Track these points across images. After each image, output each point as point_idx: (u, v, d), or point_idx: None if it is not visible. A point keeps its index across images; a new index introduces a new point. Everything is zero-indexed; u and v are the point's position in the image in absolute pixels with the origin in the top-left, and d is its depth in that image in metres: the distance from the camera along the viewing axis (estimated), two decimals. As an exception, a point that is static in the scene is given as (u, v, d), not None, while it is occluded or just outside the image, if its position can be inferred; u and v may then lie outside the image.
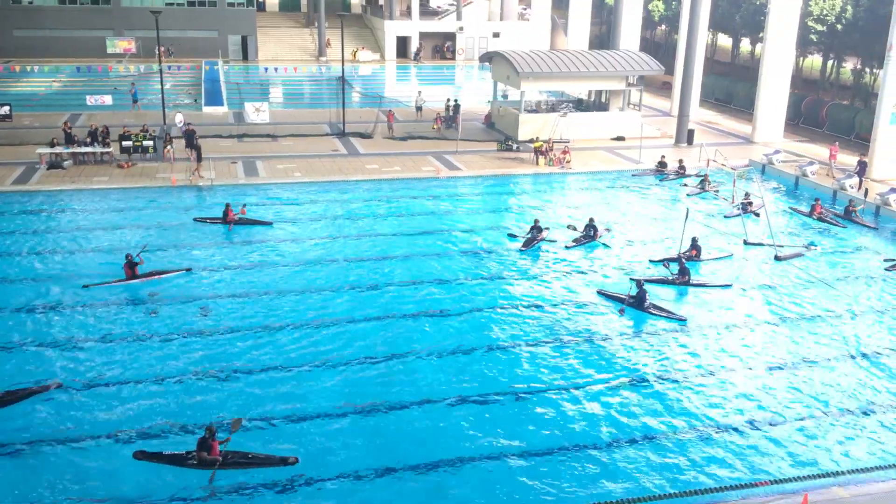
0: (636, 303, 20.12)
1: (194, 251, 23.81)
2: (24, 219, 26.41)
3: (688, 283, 22.05)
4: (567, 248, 24.70)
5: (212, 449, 13.45)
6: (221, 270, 22.43)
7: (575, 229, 25.60)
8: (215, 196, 28.89)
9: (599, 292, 21.32)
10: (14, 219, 26.38)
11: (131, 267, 21.02)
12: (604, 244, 25.00)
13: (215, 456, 13.44)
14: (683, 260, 22.76)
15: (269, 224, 26.04)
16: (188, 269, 22.12)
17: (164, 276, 21.55)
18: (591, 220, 25.53)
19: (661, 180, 32.97)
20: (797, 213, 29.12)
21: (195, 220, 26.21)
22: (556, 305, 20.67)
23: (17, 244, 24.09)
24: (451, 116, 41.40)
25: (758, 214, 27.97)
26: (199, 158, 31.21)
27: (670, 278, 22.12)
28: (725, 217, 28.31)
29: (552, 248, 24.69)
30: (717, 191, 31.30)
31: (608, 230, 25.97)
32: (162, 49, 63.26)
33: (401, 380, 16.70)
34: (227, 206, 25.96)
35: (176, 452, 13.69)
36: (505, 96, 43.98)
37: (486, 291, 21.48)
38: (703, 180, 31.79)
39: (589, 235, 25.20)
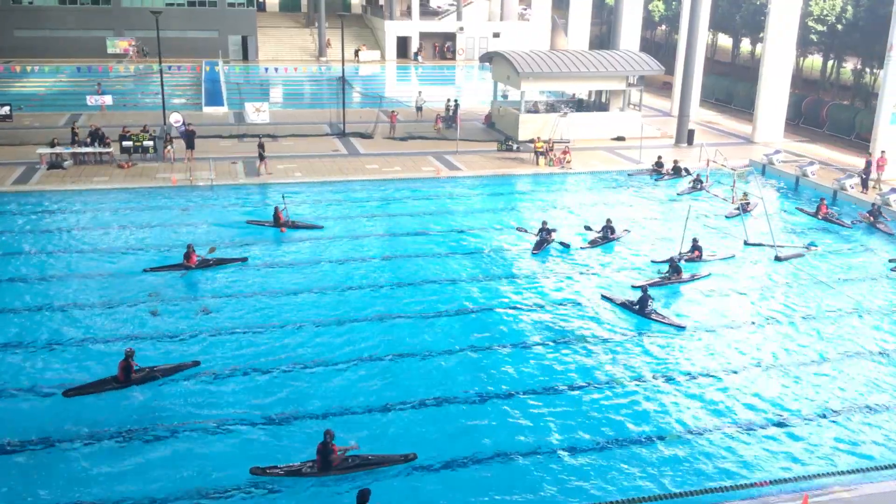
0: (639, 307, 20.09)
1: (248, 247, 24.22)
2: (37, 217, 26.62)
3: (680, 282, 22.07)
4: (583, 248, 24.64)
5: (333, 453, 13.38)
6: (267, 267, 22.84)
7: (590, 229, 25.45)
8: (257, 195, 29.38)
9: (604, 296, 21.25)
10: (30, 217, 26.71)
11: (188, 257, 21.89)
12: (619, 237, 25.07)
13: (337, 460, 13.39)
14: (675, 259, 22.71)
15: (320, 228, 25.83)
16: (244, 259, 22.59)
17: (221, 264, 22.23)
18: (608, 220, 25.46)
19: (656, 180, 32.99)
20: (803, 212, 29.05)
21: (248, 222, 26.20)
22: (559, 306, 20.66)
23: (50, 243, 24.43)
24: (451, 116, 41.41)
25: (746, 211, 27.66)
26: (261, 157, 31.65)
27: (661, 276, 22.13)
28: (726, 217, 28.30)
29: (559, 249, 24.68)
30: (709, 189, 31.29)
31: (627, 231, 25.97)
32: (136, 49, 63.47)
33: (401, 380, 16.71)
34: (277, 209, 25.79)
35: (292, 465, 13.56)
36: (505, 96, 44.01)
37: (486, 292, 21.47)
38: (695, 180, 31.75)
39: (606, 236, 25.14)
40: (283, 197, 26.52)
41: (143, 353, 17.17)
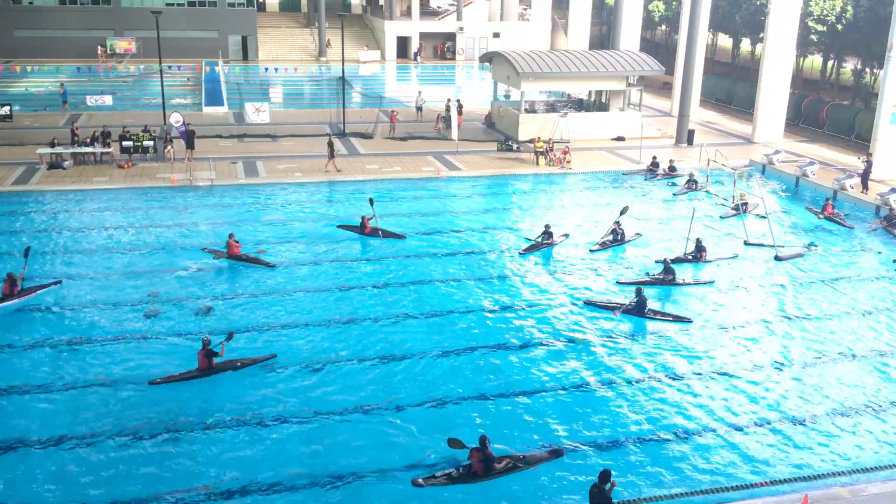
0: (636, 309, 20.05)
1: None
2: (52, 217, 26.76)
3: (673, 283, 21.99)
4: (592, 251, 24.54)
5: (492, 459, 13.36)
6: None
7: (619, 224, 25.17)
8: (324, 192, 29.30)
9: (587, 302, 20.87)
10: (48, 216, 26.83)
11: (230, 248, 22.80)
12: (637, 234, 25.45)
13: (495, 463, 13.41)
14: (669, 260, 22.63)
15: (402, 238, 25.25)
16: (272, 265, 22.65)
17: (251, 263, 22.65)
18: (616, 223, 25.34)
19: (647, 180, 32.97)
20: (811, 212, 28.96)
21: (338, 227, 25.81)
22: (557, 307, 20.68)
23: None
24: (450, 117, 41.34)
25: (764, 216, 27.58)
26: (331, 154, 32.09)
27: (651, 277, 22.09)
28: (720, 218, 28.25)
29: (561, 250, 24.63)
30: (708, 190, 31.26)
31: (638, 234, 25.90)
32: (103, 50, 63.44)
33: (398, 379, 16.74)
34: (364, 218, 25.27)
35: (450, 473, 13.46)
36: (507, 96, 44.00)
37: (486, 293, 21.48)
38: (690, 180, 31.71)
39: (615, 238, 25.06)
40: (371, 202, 25.70)
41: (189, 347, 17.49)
